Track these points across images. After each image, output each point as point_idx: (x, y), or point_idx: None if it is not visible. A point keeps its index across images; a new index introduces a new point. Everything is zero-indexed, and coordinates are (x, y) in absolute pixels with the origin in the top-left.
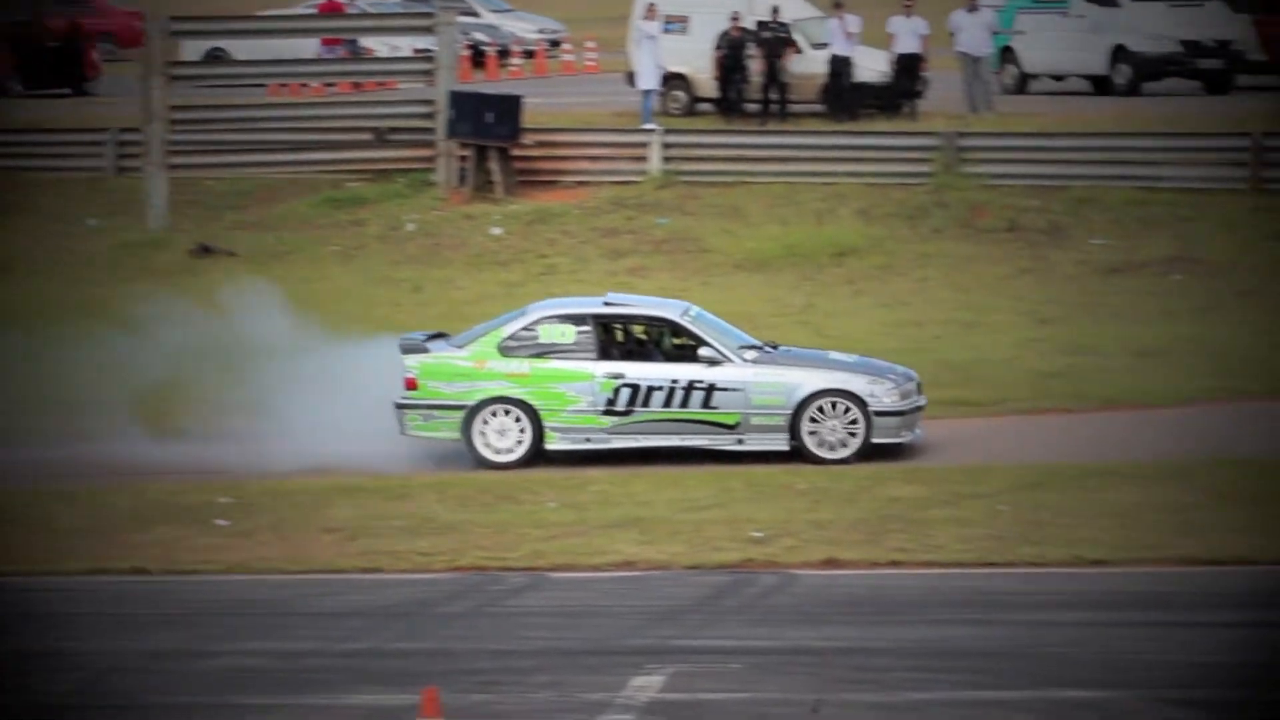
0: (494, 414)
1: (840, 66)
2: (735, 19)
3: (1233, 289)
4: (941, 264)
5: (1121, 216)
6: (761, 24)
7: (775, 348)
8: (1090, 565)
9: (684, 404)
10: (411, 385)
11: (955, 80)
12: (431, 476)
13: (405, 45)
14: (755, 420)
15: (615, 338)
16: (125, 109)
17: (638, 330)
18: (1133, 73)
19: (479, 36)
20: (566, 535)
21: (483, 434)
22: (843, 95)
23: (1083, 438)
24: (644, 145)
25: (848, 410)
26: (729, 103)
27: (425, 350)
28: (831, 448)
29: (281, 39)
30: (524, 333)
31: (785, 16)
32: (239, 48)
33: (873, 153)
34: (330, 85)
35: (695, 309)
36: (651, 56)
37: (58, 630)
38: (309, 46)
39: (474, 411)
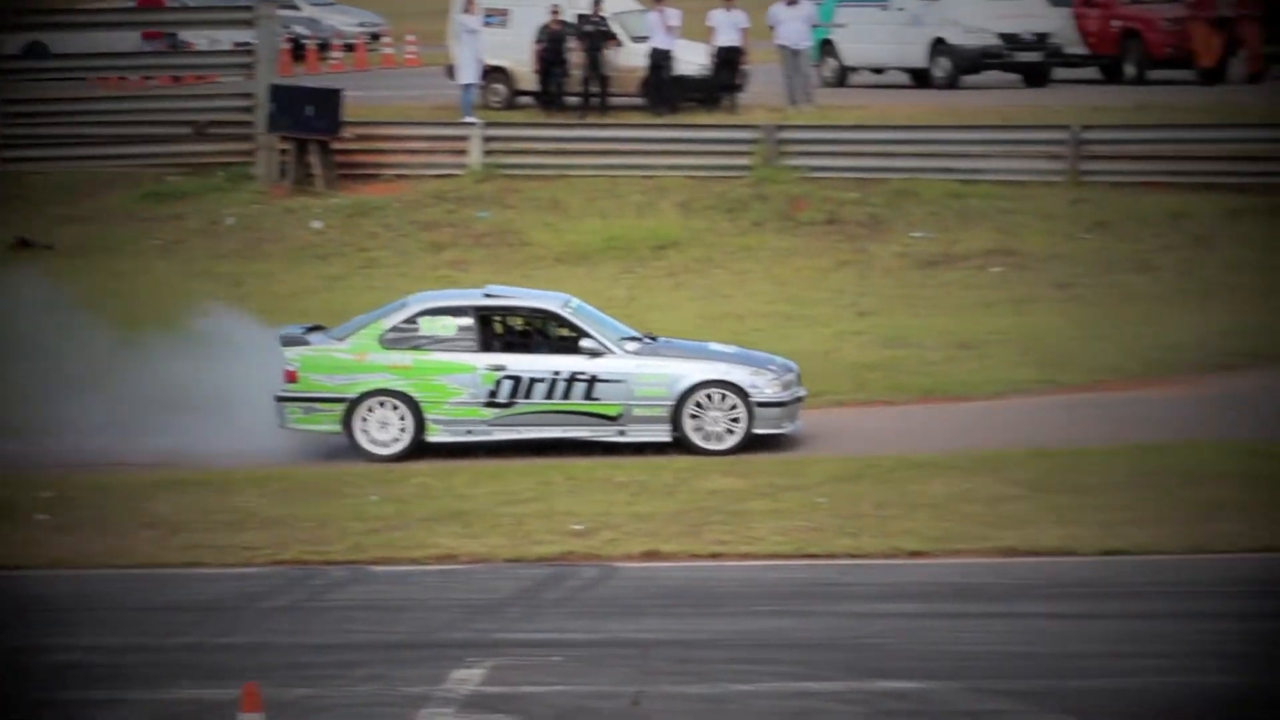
0: (375, 407)
1: (660, 60)
2: (555, 12)
3: (1050, 281)
4: (761, 257)
5: (940, 209)
6: (582, 17)
7: (655, 339)
8: (908, 556)
9: (566, 395)
10: (291, 378)
11: (775, 73)
12: (254, 471)
13: (225, 39)
14: (637, 412)
15: (496, 330)
16: None
17: (519, 322)
18: (952, 66)
19: (299, 30)
20: (388, 529)
21: (364, 427)
22: (663, 88)
23: (901, 430)
24: (464, 139)
25: (730, 401)
26: (549, 96)
27: (305, 343)
28: (714, 439)
29: (101, 32)
30: (405, 325)
31: (605, 10)
32: (58, 41)
33: (693, 146)
34: (150, 79)
35: (576, 301)
36: (471, 50)
37: None
38: (129, 40)
39: (355, 404)
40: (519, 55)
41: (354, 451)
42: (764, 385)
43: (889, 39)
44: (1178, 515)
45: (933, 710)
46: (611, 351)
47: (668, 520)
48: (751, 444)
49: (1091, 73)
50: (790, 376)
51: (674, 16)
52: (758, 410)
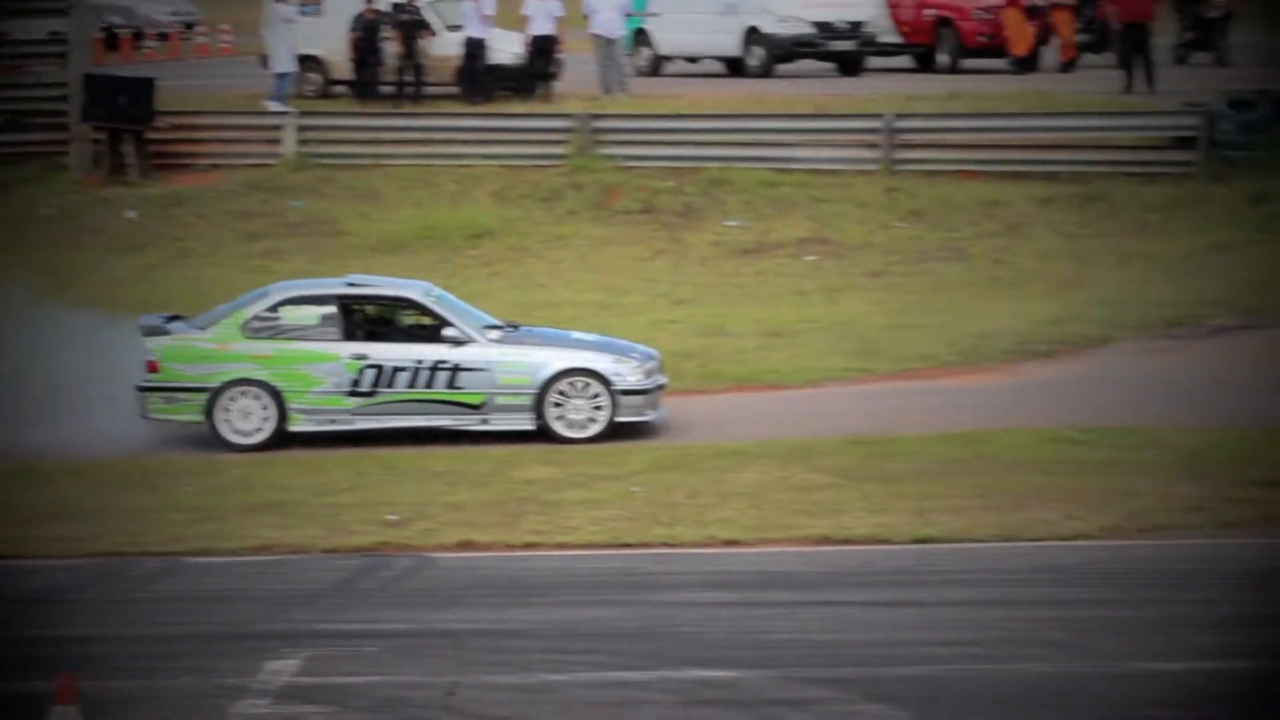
0: (237, 396)
1: (475, 49)
2: (370, 1)
3: (864, 270)
4: (577, 246)
5: (755, 198)
6: (396, 6)
7: (516, 327)
8: (722, 545)
9: (429, 384)
10: (153, 368)
11: (590, 62)
12: (73, 461)
13: (38, 28)
14: (500, 400)
15: (359, 319)
16: None
17: (381, 311)
18: (766, 54)
19: (113, 19)
20: (204, 520)
21: (226, 417)
22: (477, 78)
23: (716, 418)
24: (278, 128)
25: (593, 390)
26: (364, 85)
27: (166, 332)
28: (577, 427)
29: None
30: (267, 314)
31: (420, 1)
32: None
33: (508, 135)
34: None
35: (437, 290)
36: (285, 39)
37: None
38: None
39: (217, 394)
40: (334, 44)
41: (216, 442)
42: (627, 373)
43: (703, 28)
44: (990, 503)
45: (746, 699)
46: (474, 340)
47: (483, 510)
48: (615, 432)
49: (905, 61)
50: (652, 364)
51: (488, 5)
52: (620, 398)
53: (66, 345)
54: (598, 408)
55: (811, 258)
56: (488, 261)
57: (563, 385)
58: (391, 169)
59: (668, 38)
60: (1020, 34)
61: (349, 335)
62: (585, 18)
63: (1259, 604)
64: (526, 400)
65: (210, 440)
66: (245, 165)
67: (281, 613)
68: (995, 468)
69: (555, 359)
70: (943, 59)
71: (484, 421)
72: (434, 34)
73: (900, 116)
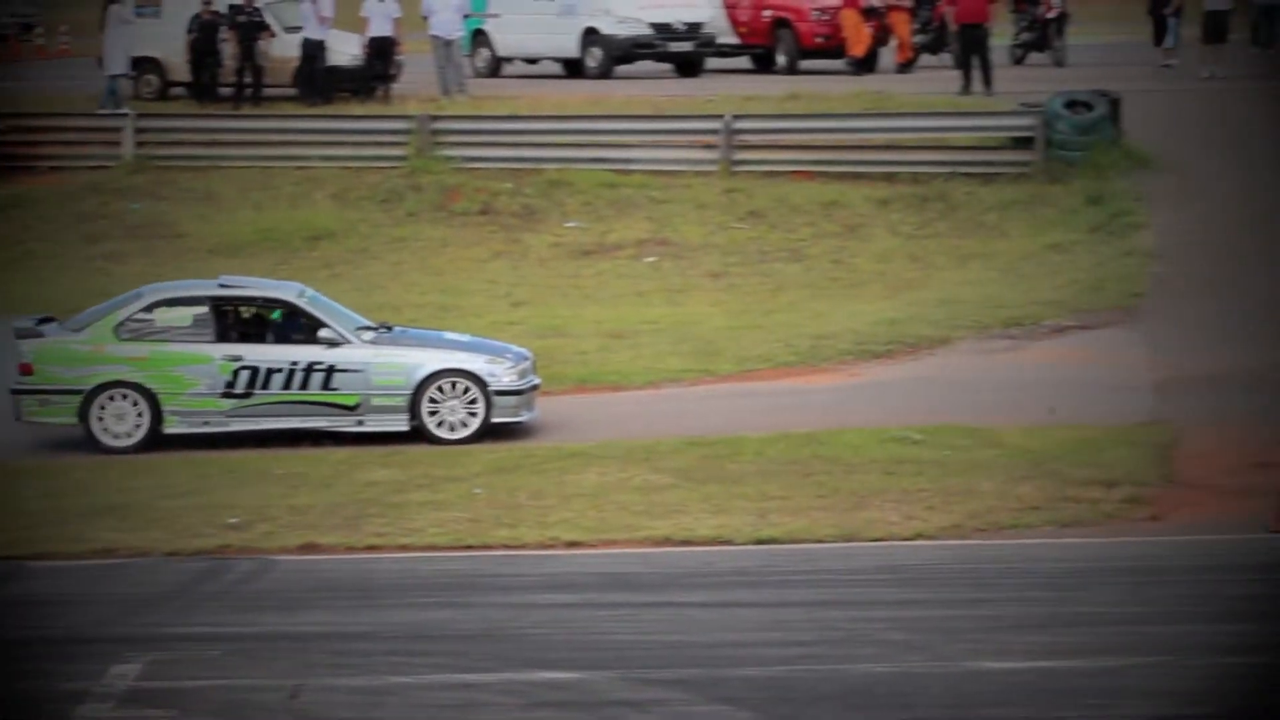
0: (111, 398)
1: (313, 50)
2: (208, 2)
3: (704, 271)
4: (416, 247)
5: (594, 199)
6: (234, 8)
7: (390, 329)
8: (565, 547)
9: (304, 386)
10: (27, 370)
11: (429, 63)
12: None
13: None
14: (376, 401)
15: (232, 320)
16: None
17: (255, 312)
18: (604, 56)
19: None
20: (44, 524)
21: (100, 419)
22: (316, 79)
23: (557, 420)
24: (118, 130)
25: (467, 390)
26: (202, 87)
27: (40, 335)
28: (452, 428)
29: None
30: (141, 315)
31: (258, 0)
32: None
33: (347, 136)
34: None
35: (310, 291)
36: (119, 41)
37: None
38: None
39: (91, 396)
40: (172, 45)
41: (91, 444)
42: (501, 374)
43: (541, 29)
44: (830, 503)
45: (589, 700)
46: (349, 341)
47: (325, 512)
48: (489, 432)
49: (744, 63)
50: (526, 365)
51: (326, 7)
52: (495, 399)
53: None
54: (473, 409)
55: (651, 259)
56: (327, 263)
57: (438, 386)
58: (230, 171)
59: (506, 39)
60: (858, 35)
61: (222, 337)
62: (424, 19)
63: (1097, 603)
64: (401, 401)
65: (85, 443)
66: (85, 167)
67: (124, 617)
68: (835, 468)
69: (430, 360)
70: (781, 60)
71: (359, 423)
72: (273, 35)
73: (738, 117)
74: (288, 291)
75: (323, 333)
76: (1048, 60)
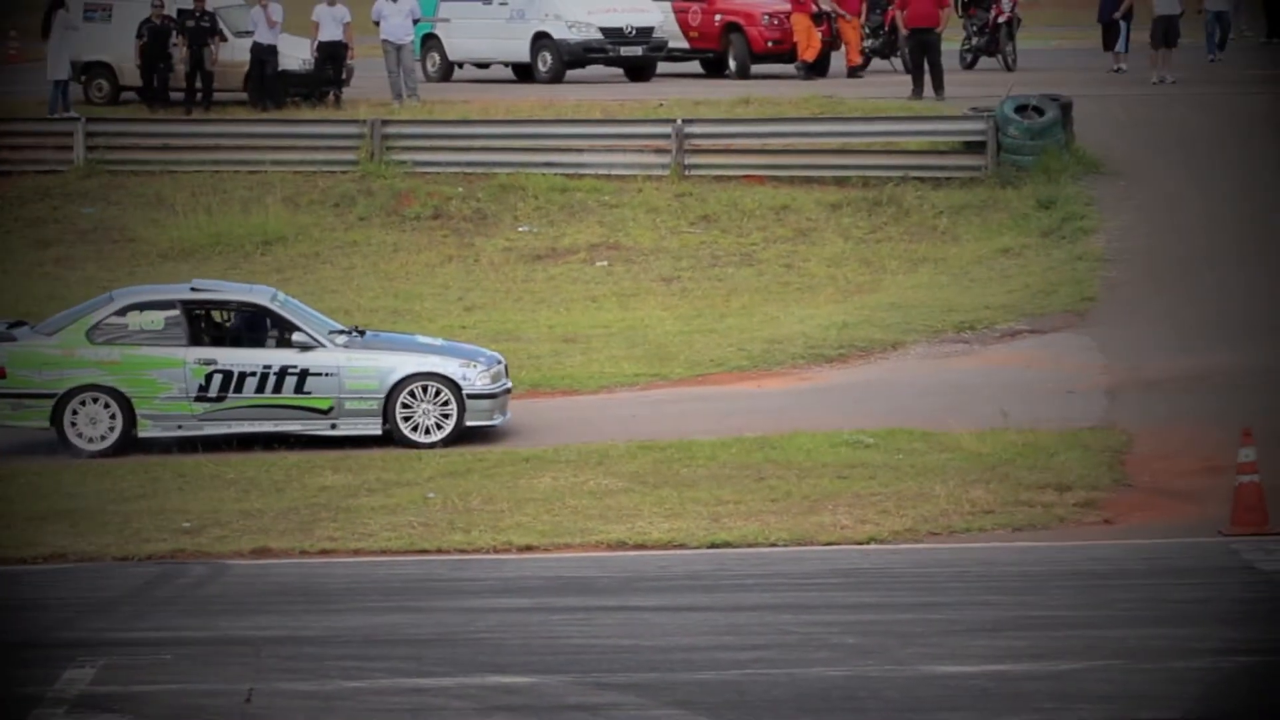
0: (84, 402)
1: (264, 55)
2: (158, 6)
3: (655, 275)
4: (368, 252)
5: (546, 204)
6: (184, 12)
7: (363, 333)
8: (519, 551)
9: (277, 389)
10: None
11: (380, 68)
12: None
13: None
14: (349, 405)
15: (205, 324)
16: None
17: (227, 316)
18: (555, 60)
19: None
20: None
21: (73, 422)
22: (267, 84)
23: (510, 424)
24: (69, 134)
25: (440, 394)
26: (153, 92)
27: (12, 339)
28: (425, 431)
29: None
30: (113, 319)
31: (209, 4)
32: None
33: (298, 141)
34: None
35: (282, 295)
36: (64, 47)
37: None
38: None
39: (64, 400)
40: (122, 50)
41: (63, 448)
42: (474, 377)
43: (492, 33)
44: (783, 507)
45: (544, 705)
46: (322, 345)
47: (278, 517)
48: (462, 436)
49: (695, 67)
50: (499, 368)
51: (276, 12)
52: (469, 402)
53: None
54: (446, 412)
55: (603, 263)
56: (279, 268)
57: (411, 390)
58: (182, 175)
59: (457, 43)
60: (809, 39)
61: (195, 340)
62: (374, 24)
63: (1051, 607)
64: (374, 405)
65: (58, 446)
66: (35, 171)
67: (76, 621)
68: (788, 472)
69: (403, 364)
70: (732, 65)
71: (333, 426)
72: (224, 40)
73: (689, 122)
74: (260, 295)
75: (296, 336)
76: (998, 65)
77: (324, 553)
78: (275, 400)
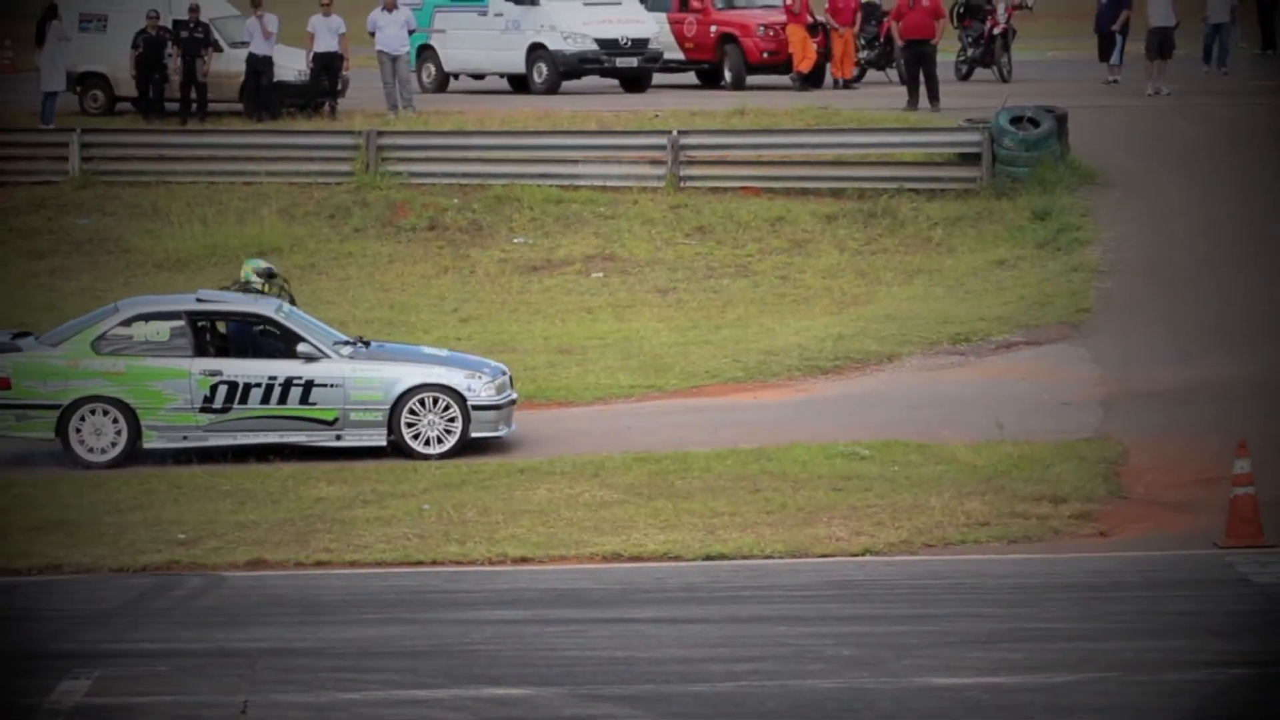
0: (89, 413)
1: (260, 66)
2: (153, 17)
3: (651, 286)
4: (364, 263)
5: (541, 215)
6: (179, 23)
7: (368, 344)
8: (514, 563)
9: (282, 400)
10: (4, 385)
11: (375, 78)
12: None
13: None
14: (354, 416)
15: (210, 334)
16: None
17: (233, 327)
18: (550, 71)
19: None
20: None
21: (78, 433)
22: (262, 95)
23: (506, 435)
24: (64, 145)
25: (446, 405)
26: (149, 102)
27: (16, 349)
28: (430, 442)
29: None
30: (118, 329)
31: (204, 15)
32: None
33: (293, 152)
34: None
35: (287, 306)
36: (58, 57)
37: None
38: None
39: (69, 411)
40: (118, 61)
41: (69, 459)
42: (479, 388)
43: (488, 44)
44: (778, 519)
45: (539, 717)
46: (327, 356)
47: (273, 528)
48: (467, 447)
49: (690, 78)
50: (504, 379)
51: (272, 22)
52: (474, 413)
53: None
54: (451, 423)
55: (599, 274)
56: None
57: (417, 400)
58: (177, 186)
59: (453, 54)
60: (804, 50)
61: (201, 351)
62: (370, 34)
63: (1046, 619)
64: (380, 416)
65: (63, 458)
66: (31, 182)
67: (70, 633)
68: (783, 484)
69: (408, 374)
70: (727, 75)
71: (338, 438)
72: (220, 50)
73: (685, 133)
74: (266, 306)
75: (301, 347)
76: (994, 76)
77: (319, 564)
78: (281, 411)
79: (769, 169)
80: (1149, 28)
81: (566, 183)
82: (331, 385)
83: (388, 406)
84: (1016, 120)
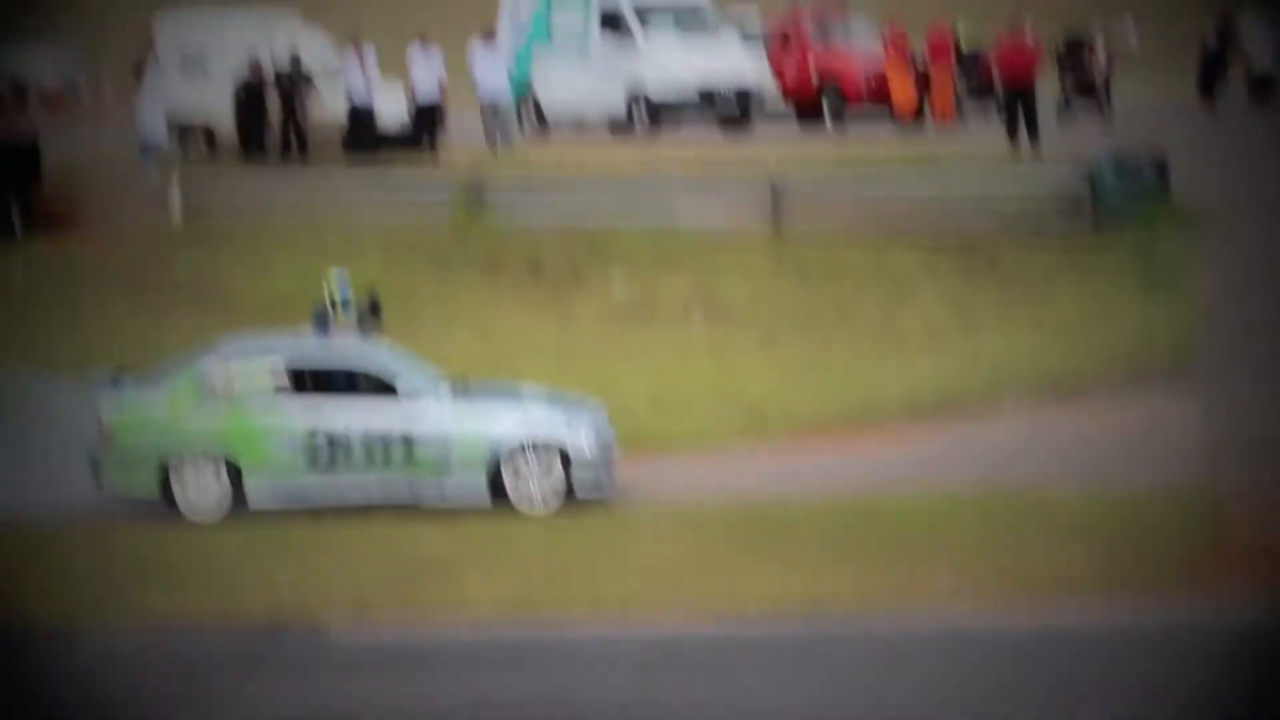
0: (194, 471)
1: (362, 118)
2: (254, 65)
3: (751, 332)
4: (464, 308)
5: (641, 260)
6: (281, 70)
7: (466, 384)
8: (618, 614)
9: (385, 459)
10: (106, 440)
11: (477, 121)
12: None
13: None
14: (457, 473)
15: (313, 378)
16: None
17: (336, 371)
18: (651, 117)
19: None
20: (94, 590)
21: (182, 491)
22: (363, 138)
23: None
24: (165, 189)
25: (551, 463)
26: (249, 147)
27: (118, 395)
28: (533, 501)
29: None
30: (217, 371)
31: (304, 64)
32: None
33: (394, 196)
34: None
35: (392, 348)
36: (156, 103)
37: None
38: None
39: (171, 467)
40: (218, 107)
41: (172, 514)
42: (585, 446)
43: (588, 89)
44: (882, 569)
45: None
46: (428, 394)
47: (376, 579)
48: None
49: (791, 122)
50: (603, 420)
51: (372, 63)
52: (578, 471)
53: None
54: (556, 481)
55: (698, 320)
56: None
57: (522, 458)
58: (278, 229)
59: (553, 98)
60: (905, 94)
61: (305, 403)
62: (472, 84)
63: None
64: (483, 473)
65: (165, 513)
66: (132, 226)
67: (176, 686)
68: (887, 533)
69: (514, 431)
70: (829, 120)
71: (441, 496)
72: (320, 95)
73: (786, 178)
74: (370, 350)
75: (401, 386)
76: (1096, 117)
77: (423, 616)
78: (384, 471)
79: (869, 213)
80: (1250, 72)
81: (667, 227)
82: (434, 442)
83: (493, 463)
84: (1119, 163)
